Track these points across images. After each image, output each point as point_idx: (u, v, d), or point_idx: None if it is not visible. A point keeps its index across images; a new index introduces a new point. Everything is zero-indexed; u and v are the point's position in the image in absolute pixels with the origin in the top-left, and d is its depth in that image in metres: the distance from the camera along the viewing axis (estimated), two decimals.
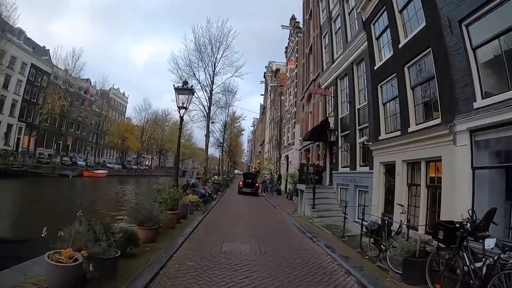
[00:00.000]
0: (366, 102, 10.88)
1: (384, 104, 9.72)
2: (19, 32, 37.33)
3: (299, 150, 20.96)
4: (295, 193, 16.68)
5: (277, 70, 34.96)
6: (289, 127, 25.58)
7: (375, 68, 10.10)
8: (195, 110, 18.73)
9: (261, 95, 60.84)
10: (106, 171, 45.84)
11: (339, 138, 12.82)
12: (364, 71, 11.29)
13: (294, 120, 23.10)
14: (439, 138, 6.73)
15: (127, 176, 53.87)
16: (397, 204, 7.54)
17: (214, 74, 19.31)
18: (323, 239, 8.22)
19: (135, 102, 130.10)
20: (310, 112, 19.17)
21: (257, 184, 22.96)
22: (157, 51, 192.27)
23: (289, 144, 24.50)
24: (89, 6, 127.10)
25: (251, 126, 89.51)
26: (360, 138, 11.20)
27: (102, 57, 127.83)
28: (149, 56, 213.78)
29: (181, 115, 8.63)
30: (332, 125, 13.23)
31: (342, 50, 13.26)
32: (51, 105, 39.99)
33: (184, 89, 8.70)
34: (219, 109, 27.63)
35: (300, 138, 19.57)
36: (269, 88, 47.54)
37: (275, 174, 28.06)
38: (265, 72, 54.08)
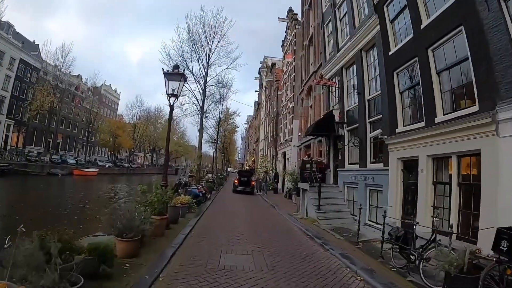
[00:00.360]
0: (379, 92, 9.83)
1: (401, 93, 8.68)
2: (7, 26, 35.67)
3: (298, 146, 19.89)
4: (295, 192, 15.61)
5: (273, 64, 33.81)
6: (286, 122, 24.50)
7: (390, 53, 9.06)
8: (187, 103, 17.62)
9: (256, 91, 59.69)
10: (97, 170, 44.56)
11: (346, 132, 11.77)
12: (376, 58, 10.23)
13: (292, 115, 22.02)
14: (477, 129, 5.69)
15: (119, 174, 52.50)
16: (432, 207, 6.50)
17: (208, 65, 18.06)
18: (335, 245, 7.15)
19: (129, 100, 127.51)
20: (310, 106, 18.09)
21: (253, 183, 21.85)
22: (152, 48, 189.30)
23: (286, 140, 23.42)
24: (84, 3, 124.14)
25: (245, 123, 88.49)
26: (371, 132, 10.15)
27: (97, 55, 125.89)
28: (144, 54, 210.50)
29: (171, 103, 7.42)
30: (337, 119, 12.14)
31: (348, 37, 12.18)
32: (40, 101, 38.31)
33: (175, 74, 7.50)
34: (213, 104, 26.44)
35: (300, 134, 18.50)
36: (264, 83, 46.36)
37: (271, 171, 27.01)
38: (259, 68, 52.85)
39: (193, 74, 16.57)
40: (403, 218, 7.88)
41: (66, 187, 28.98)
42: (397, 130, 8.42)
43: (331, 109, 13.46)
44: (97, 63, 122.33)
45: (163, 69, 7.50)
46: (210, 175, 27.20)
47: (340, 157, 11.93)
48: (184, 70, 8.12)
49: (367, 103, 10.48)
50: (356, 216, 10.48)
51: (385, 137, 8.84)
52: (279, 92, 28.60)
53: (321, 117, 13.59)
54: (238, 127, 41.70)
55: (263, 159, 29.72)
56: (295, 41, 24.08)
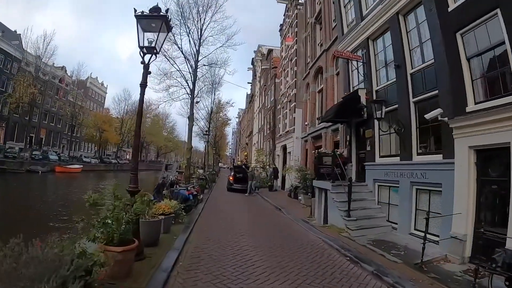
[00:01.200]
0: (428, 63, 7.46)
1: (469, 60, 6.29)
2: None
3: (303, 138, 17.47)
4: (303, 191, 13.21)
5: (270, 51, 31.20)
6: (286, 112, 22.03)
7: (450, 10, 6.66)
8: (175, 86, 14.85)
9: (248, 83, 56.91)
10: (81, 166, 41.93)
11: (377, 116, 9.38)
12: (422, 19, 7.83)
13: (293, 103, 19.56)
14: None
15: (105, 171, 49.60)
16: None
17: (200, 42, 15.31)
18: (397, 274, 4.75)
19: (119, 94, 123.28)
20: (319, 92, 15.67)
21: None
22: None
23: (287, 132, 20.98)
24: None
25: (236, 117, 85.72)
26: (416, 114, 7.78)
27: (87, 50, 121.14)
28: (136, 49, 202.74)
29: (146, 62, 4.84)
30: (363, 100, 9.74)
31: (377, 0, 9.75)
32: (20, 94, 35.08)
33: (153, 17, 4.89)
34: (205, 88, 23.67)
35: (307, 123, 16.08)
36: (258, 74, 43.75)
37: (268, 167, 24.56)
38: (253, 58, 50.13)
39: (182, 52, 13.81)
40: (477, 228, 5.61)
41: (43, 185, 26.13)
42: (468, 109, 6.04)
43: (351, 90, 11.06)
44: (86, 58, 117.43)
45: (134, 10, 4.87)
46: (201, 171, 24.56)
47: (368, 148, 9.52)
48: (169, 20, 5.43)
49: (409, 78, 8.08)
50: (394, 223, 8.20)
51: (446, 119, 6.46)
52: (277, 80, 26.07)
53: (342, 99, 11.14)
54: (230, 120, 38.88)
55: (259, 153, 27.20)
56: (296, 22, 21.57)
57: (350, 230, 7.64)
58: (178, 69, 13.52)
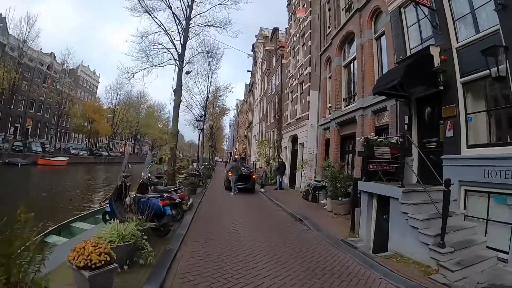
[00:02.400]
0: None
1: None
2: None
3: (322, 125, 14.21)
4: (332, 193, 9.96)
5: (275, 30, 27.68)
6: (296, 96, 18.69)
7: None
8: (158, 46, 10.40)
9: (248, 71, 53.42)
10: (67, 159, 38.76)
11: (459, 85, 6.12)
12: None
13: (308, 84, 16.22)
14: None
15: (95, 163, 46.47)
16: None
17: None
18: None
19: (111, 83, 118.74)
20: (346, 66, 12.37)
21: (254, 176, 16.08)
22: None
23: (297, 119, 17.66)
24: None
25: (234, 108, 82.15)
26: None
27: (84, 41, 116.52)
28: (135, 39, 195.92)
29: None
30: (437, 63, 6.45)
31: None
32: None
33: None
34: (199, 56, 20.08)
35: (330, 106, 12.73)
36: (259, 60, 40.28)
37: (272, 161, 21.31)
38: (253, 44, 46.52)
39: (169, 5, 10.12)
40: None
41: (20, 180, 22.72)
42: None
43: (408, 54, 7.77)
44: (85, 48, 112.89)
45: None
46: (195, 165, 21.25)
47: (450, 134, 6.24)
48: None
49: None
50: (501, 252, 5.02)
51: None
52: (284, 61, 22.66)
53: (397, 64, 7.85)
54: (228, 110, 35.44)
55: (262, 144, 23.86)
56: None
57: (448, 270, 4.41)
58: (160, 24, 9.63)
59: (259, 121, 32.90)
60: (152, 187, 6.83)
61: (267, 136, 26.19)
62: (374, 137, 7.33)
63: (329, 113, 13.03)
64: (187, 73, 9.41)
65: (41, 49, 45.10)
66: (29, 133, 43.52)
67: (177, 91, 8.31)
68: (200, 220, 7.98)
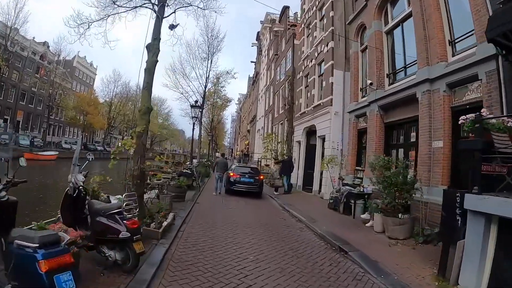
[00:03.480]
0: None
1: None
2: None
3: (351, 112, 11.04)
4: (387, 209, 6.76)
5: (285, 8, 24.34)
6: (313, 80, 15.47)
7: None
8: None
9: (252, 62, 50.22)
10: (56, 153, 35.83)
11: None
12: None
13: (330, 63, 13.01)
14: None
15: (87, 159, 42.93)
16: None
17: None
18: None
19: (108, 75, 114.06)
20: (388, 33, 9.19)
21: (261, 177, 12.95)
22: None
23: (315, 107, 14.49)
24: None
25: (236, 103, 78.98)
26: None
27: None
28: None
29: None
30: None
31: None
32: None
33: None
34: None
35: (370, 82, 9.47)
36: (264, 48, 37.06)
37: (281, 158, 18.13)
38: (258, 32, 43.32)
39: None
40: None
41: None
42: None
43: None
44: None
45: None
46: (195, 161, 18.04)
47: None
48: None
49: None
50: None
51: None
52: (296, 42, 19.42)
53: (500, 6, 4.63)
54: (230, 101, 32.11)
55: (269, 138, 20.68)
56: None
57: None
58: None
59: (264, 113, 29.71)
60: (87, 202, 3.68)
61: (275, 129, 23.00)
62: (487, 115, 4.19)
63: (364, 96, 9.85)
64: (172, 27, 6.29)
65: (33, 38, 42.49)
66: (20, 126, 40.81)
67: (153, 46, 5.29)
68: (178, 262, 4.41)
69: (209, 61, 19.98)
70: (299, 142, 16.66)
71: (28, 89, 41.78)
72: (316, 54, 15.13)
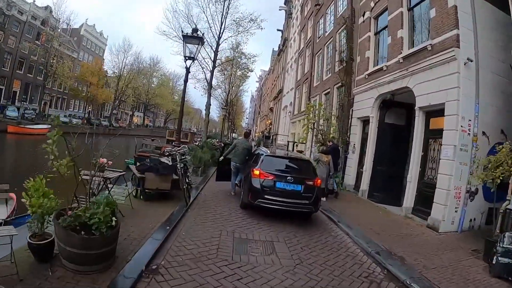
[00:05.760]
0: None
1: None
2: None
3: None
4: None
5: None
6: (398, 16, 8.98)
7: None
8: None
9: (278, 30, 43.16)
10: (48, 127, 31.03)
11: None
12: None
13: None
14: None
15: (87, 134, 38.35)
16: None
17: None
18: None
19: (117, 44, 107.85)
20: None
21: (318, 181, 6.46)
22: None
23: (406, 57, 8.14)
24: None
25: (256, 80, 72.43)
26: None
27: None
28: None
29: None
30: None
31: None
32: None
33: None
34: None
35: None
36: (296, 10, 30.24)
37: (329, 143, 11.98)
38: None
39: None
40: None
41: None
42: None
43: None
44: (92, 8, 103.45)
45: None
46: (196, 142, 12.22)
47: None
48: None
49: None
50: None
51: None
52: None
53: None
54: (252, 71, 25.62)
55: (309, 111, 13.78)
56: None
57: None
58: None
59: (295, 85, 23.43)
60: None
61: (313, 103, 16.74)
62: None
63: None
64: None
65: (34, 0, 37.73)
66: (17, 97, 36.55)
67: None
68: None
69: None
70: (362, 120, 10.46)
71: (27, 56, 37.46)
72: None
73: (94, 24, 55.88)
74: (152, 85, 67.04)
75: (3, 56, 34.29)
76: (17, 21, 35.45)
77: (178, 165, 5.81)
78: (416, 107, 7.60)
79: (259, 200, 5.91)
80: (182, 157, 6.14)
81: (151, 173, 5.63)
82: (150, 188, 5.75)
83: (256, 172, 6.15)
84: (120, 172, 5.37)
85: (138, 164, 6.05)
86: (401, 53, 8.56)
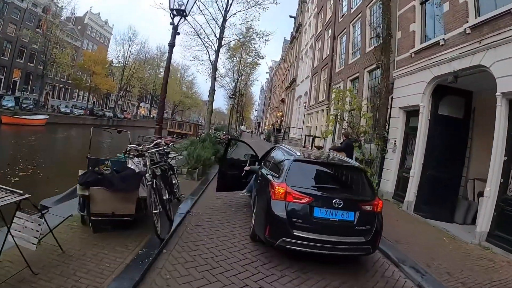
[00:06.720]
0: None
1: None
2: None
3: None
4: None
5: None
6: None
7: None
8: None
9: (291, 16, 40.63)
10: (46, 118, 30.30)
11: None
12: None
13: None
14: None
15: (88, 125, 37.06)
16: None
17: None
18: None
19: (122, 32, 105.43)
20: None
21: (380, 204, 3.93)
22: None
23: (476, 28, 6.07)
24: None
25: (267, 72, 70.11)
26: None
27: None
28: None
29: None
30: None
31: None
32: None
33: None
34: None
35: None
36: None
37: (363, 137, 9.85)
38: None
39: None
40: None
41: None
42: None
43: None
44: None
45: None
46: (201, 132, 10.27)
47: None
48: None
49: None
50: None
51: None
52: None
53: None
54: (263, 58, 23.28)
55: (339, 98, 10.91)
56: None
57: None
58: None
59: (312, 73, 21.24)
60: None
61: (339, 85, 14.51)
62: None
63: None
64: None
65: None
66: (17, 87, 35.31)
67: None
68: None
69: None
70: (406, 111, 8.32)
71: (28, 45, 36.19)
72: None
73: (99, 13, 54.37)
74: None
75: (3, 45, 33.38)
76: (17, 8, 34.27)
77: (146, 175, 3.59)
78: (497, 93, 5.45)
79: (284, 239, 3.66)
80: (162, 159, 4.10)
81: (101, 188, 3.46)
82: (100, 212, 3.54)
83: (280, 189, 3.80)
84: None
85: (81, 173, 3.81)
86: (467, 21, 6.38)
